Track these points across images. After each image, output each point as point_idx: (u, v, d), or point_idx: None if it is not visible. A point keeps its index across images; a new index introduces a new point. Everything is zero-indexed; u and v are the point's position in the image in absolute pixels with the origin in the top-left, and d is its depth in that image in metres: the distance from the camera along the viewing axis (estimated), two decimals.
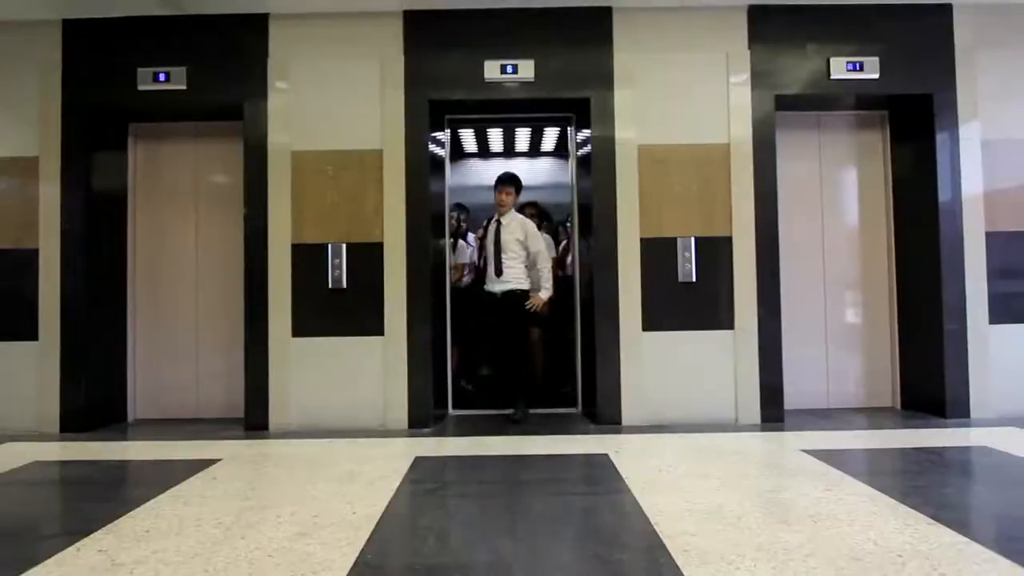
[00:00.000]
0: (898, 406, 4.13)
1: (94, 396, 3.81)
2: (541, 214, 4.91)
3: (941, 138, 3.80)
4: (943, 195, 3.79)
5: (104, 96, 3.81)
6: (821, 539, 1.91)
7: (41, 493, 2.61)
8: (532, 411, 4.00)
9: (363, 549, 1.90)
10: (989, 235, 3.79)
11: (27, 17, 3.77)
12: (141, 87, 3.78)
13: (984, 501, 2.34)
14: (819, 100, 3.98)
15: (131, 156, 4.16)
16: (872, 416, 3.93)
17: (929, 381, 3.87)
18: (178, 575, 1.74)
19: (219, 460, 2.97)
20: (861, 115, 4.23)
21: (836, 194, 4.27)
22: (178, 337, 4.16)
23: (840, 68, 3.78)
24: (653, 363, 3.73)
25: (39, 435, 3.64)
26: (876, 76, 3.79)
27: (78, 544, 1.95)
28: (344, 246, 3.73)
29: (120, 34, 3.79)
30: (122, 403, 4.08)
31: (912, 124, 3.99)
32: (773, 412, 3.71)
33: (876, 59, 3.78)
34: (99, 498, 2.46)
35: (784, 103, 3.86)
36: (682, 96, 3.80)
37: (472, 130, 5.67)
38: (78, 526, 2.11)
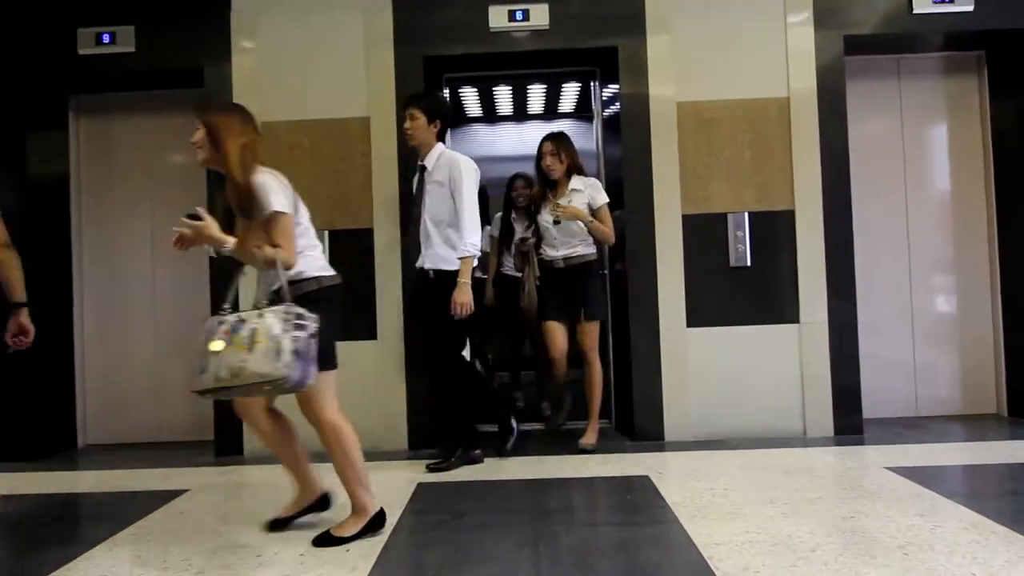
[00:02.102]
0: (1004, 412, 4.08)
1: (37, 418, 3.85)
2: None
3: None
4: None
5: (39, 63, 3.85)
6: (913, 575, 1.88)
7: None
8: None
9: None
10: None
11: None
12: (82, 51, 3.81)
13: None
14: (899, 41, 3.92)
15: (73, 134, 4.21)
16: (972, 425, 3.89)
17: None
18: None
19: (186, 491, 3.00)
20: (952, 57, 4.17)
21: (922, 156, 4.22)
22: (133, 346, 4.21)
23: (925, 0, 3.71)
24: (701, 366, 3.71)
25: None
26: (970, 8, 3.70)
27: None
28: (327, 234, 3.73)
29: None
30: (71, 425, 4.13)
31: (1017, 67, 3.92)
32: (849, 422, 3.68)
33: None
34: (48, 538, 2.50)
35: (855, 45, 3.81)
36: (730, 41, 3.76)
37: (476, 90, 5.66)
38: (23, 573, 2.14)
